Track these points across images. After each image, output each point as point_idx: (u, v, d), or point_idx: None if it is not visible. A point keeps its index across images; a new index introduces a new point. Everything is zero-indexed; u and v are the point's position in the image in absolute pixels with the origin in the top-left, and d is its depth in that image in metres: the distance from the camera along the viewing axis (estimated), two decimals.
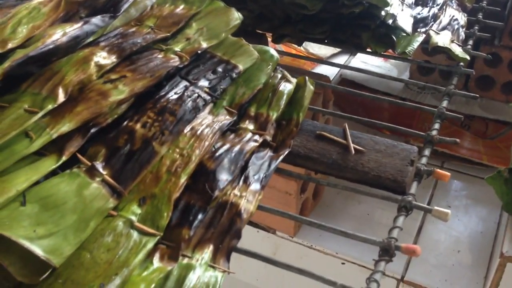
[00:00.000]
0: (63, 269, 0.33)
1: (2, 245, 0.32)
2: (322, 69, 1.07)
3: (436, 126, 0.55)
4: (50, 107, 0.37)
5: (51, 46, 0.40)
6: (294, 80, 0.53)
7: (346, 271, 0.79)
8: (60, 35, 0.41)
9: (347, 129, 0.50)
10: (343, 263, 0.79)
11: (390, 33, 0.68)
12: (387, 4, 0.66)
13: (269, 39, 0.83)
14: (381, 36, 0.68)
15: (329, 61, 0.98)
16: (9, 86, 0.39)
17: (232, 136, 0.46)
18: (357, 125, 0.68)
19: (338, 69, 1.13)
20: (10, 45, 0.39)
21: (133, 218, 0.37)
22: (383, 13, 0.67)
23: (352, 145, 0.48)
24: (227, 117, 0.47)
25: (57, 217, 0.34)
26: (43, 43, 0.39)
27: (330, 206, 0.85)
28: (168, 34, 0.47)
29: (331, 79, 0.89)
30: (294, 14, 0.69)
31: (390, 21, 0.67)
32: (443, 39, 0.67)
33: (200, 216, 0.39)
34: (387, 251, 0.41)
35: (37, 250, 0.32)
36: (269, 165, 0.46)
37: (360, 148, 0.49)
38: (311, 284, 0.41)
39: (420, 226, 0.81)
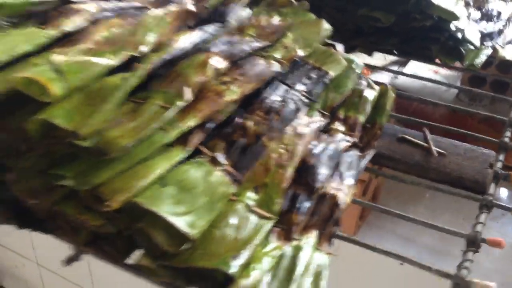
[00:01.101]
0: (199, 242, 0.38)
1: (149, 220, 0.38)
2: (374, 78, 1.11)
3: (508, 133, 0.59)
4: (179, 103, 0.43)
5: (179, 51, 0.46)
6: (377, 88, 0.57)
7: (405, 271, 0.82)
8: (185, 42, 0.46)
9: (428, 133, 0.54)
10: (401, 264, 0.82)
11: (458, 46, 0.72)
12: (457, 18, 0.71)
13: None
14: (450, 49, 0.72)
15: (387, 67, 1.01)
16: (140, 85, 0.45)
17: (325, 136, 0.51)
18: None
19: (389, 79, 1.17)
20: (141, 49, 0.45)
21: (251, 203, 0.42)
22: (452, 27, 0.71)
23: (433, 148, 0.52)
24: (321, 118, 0.52)
25: (191, 198, 0.40)
26: (173, 48, 0.45)
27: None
28: (269, 42, 0.53)
29: None
30: (367, 26, 0.73)
31: (459, 35, 0.71)
32: (510, 52, 0.71)
33: (306, 204, 0.44)
34: (473, 243, 0.45)
35: (179, 224, 0.37)
36: (358, 163, 0.51)
37: (442, 151, 0.53)
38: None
39: None
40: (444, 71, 1.26)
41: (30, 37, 0.45)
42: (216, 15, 0.54)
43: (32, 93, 0.39)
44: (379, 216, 0.87)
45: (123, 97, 0.40)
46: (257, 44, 0.52)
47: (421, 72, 1.19)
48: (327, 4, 0.74)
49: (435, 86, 1.11)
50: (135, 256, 0.40)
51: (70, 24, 0.48)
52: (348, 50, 0.76)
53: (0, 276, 1.81)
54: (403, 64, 1.24)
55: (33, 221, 0.44)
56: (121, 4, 0.54)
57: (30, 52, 0.44)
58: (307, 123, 0.50)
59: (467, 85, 1.09)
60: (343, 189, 0.47)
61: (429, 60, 0.75)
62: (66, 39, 0.47)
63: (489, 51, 0.72)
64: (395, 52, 0.76)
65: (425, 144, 0.53)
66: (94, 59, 0.42)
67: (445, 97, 1.21)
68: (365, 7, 0.72)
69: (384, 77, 1.11)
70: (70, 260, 0.46)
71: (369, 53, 0.76)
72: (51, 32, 0.46)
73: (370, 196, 0.82)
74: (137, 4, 0.56)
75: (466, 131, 0.60)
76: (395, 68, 1.22)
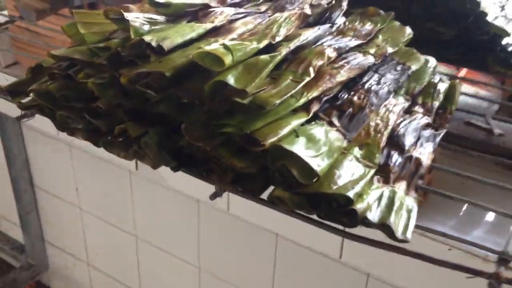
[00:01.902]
0: (324, 177, 0.51)
1: (288, 159, 0.51)
2: None
3: None
4: (307, 79, 0.57)
5: (304, 42, 0.60)
6: (448, 82, 0.71)
7: (454, 258, 0.92)
8: (308, 35, 0.61)
9: (491, 118, 0.67)
10: (449, 249, 0.93)
11: (508, 57, 0.85)
12: (508, 35, 0.84)
13: None
14: (503, 59, 0.85)
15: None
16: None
17: (408, 115, 0.65)
18: None
19: None
20: (277, 39, 0.60)
21: (358, 155, 0.56)
22: (504, 41, 0.84)
23: (494, 129, 0.65)
24: (405, 102, 0.65)
25: (317, 146, 0.53)
26: (300, 39, 0.60)
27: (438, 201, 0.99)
28: (365, 41, 0.67)
29: None
30: (432, 38, 0.87)
31: (510, 48, 0.84)
32: None
33: (398, 160, 0.57)
34: None
35: (311, 162, 0.51)
36: (434, 138, 0.64)
37: (501, 131, 0.65)
38: None
39: None
40: (483, 92, 1.37)
41: (193, 28, 0.61)
42: (323, 19, 0.68)
43: (206, 64, 0.53)
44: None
45: (271, 69, 0.55)
46: (356, 42, 0.66)
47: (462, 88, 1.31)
48: (398, 19, 0.88)
49: (476, 103, 1.22)
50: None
51: (217, 21, 0.64)
52: None
53: (50, 276, 1.94)
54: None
55: (190, 163, 0.58)
56: (247, 10, 0.70)
57: (194, 38, 0.60)
58: (395, 103, 0.64)
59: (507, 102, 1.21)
60: (424, 153, 0.60)
61: (485, 69, 0.88)
62: (215, 32, 0.63)
63: None
64: (456, 60, 0.89)
65: (487, 126, 0.66)
66: (247, 43, 0.57)
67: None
68: (432, 21, 0.86)
69: None
70: (214, 196, 0.59)
71: None
72: (206, 25, 0.62)
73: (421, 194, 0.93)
74: (259, 9, 0.71)
75: None
76: None
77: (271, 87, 0.55)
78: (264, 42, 0.58)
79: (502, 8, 0.91)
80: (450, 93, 0.69)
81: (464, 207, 0.77)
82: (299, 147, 0.52)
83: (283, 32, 0.61)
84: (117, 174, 1.38)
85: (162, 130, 0.57)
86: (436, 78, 0.70)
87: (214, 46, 0.54)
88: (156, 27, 0.62)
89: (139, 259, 1.54)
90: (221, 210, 1.18)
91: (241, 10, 0.70)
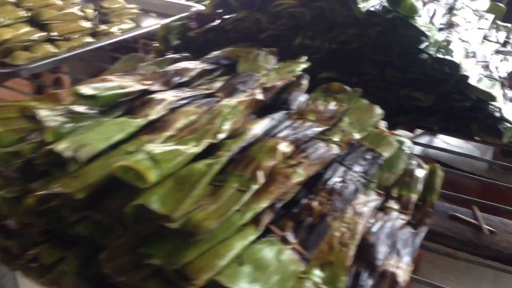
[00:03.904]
0: None
1: None
2: None
3: None
4: (255, 187, 0.47)
5: (252, 139, 0.51)
6: (426, 167, 0.61)
7: None
8: (258, 129, 0.52)
9: (477, 211, 0.57)
10: None
11: (496, 124, 0.76)
12: (494, 99, 0.75)
13: None
14: (489, 127, 0.76)
15: (414, 141, 1.06)
16: None
17: (381, 214, 0.55)
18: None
19: (421, 148, 1.20)
20: (219, 136, 0.51)
21: (318, 280, 0.46)
22: (490, 106, 0.76)
23: (484, 226, 0.55)
24: (377, 197, 0.56)
25: (265, 276, 0.43)
26: (248, 135, 0.51)
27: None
28: (328, 126, 0.58)
29: None
30: (408, 105, 0.79)
31: (497, 114, 0.76)
32: None
33: (369, 282, 0.47)
34: None
35: None
36: (413, 240, 0.54)
37: (492, 229, 0.56)
38: None
39: None
40: (469, 146, 1.29)
41: (122, 126, 0.51)
42: (280, 102, 0.60)
43: (129, 179, 0.44)
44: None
45: (208, 182, 0.45)
46: (317, 129, 0.57)
47: (453, 141, 1.23)
48: (371, 84, 0.80)
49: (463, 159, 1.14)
50: None
51: (153, 113, 0.55)
52: (391, 127, 0.81)
53: None
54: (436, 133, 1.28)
55: None
56: (193, 93, 0.61)
57: (123, 140, 0.51)
58: (365, 202, 0.54)
59: (499, 155, 1.12)
60: (401, 266, 0.50)
61: (469, 137, 0.79)
62: (151, 127, 0.54)
63: None
64: (436, 129, 0.80)
65: (475, 222, 0.56)
66: (181, 147, 0.47)
67: (478, 166, 1.23)
68: (407, 87, 0.78)
69: (416, 148, 1.15)
70: None
71: (411, 130, 0.81)
72: (139, 121, 0.53)
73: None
74: (207, 91, 0.62)
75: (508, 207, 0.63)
76: (426, 137, 1.26)
77: (210, 201, 0.46)
78: (204, 143, 0.49)
79: (486, 67, 0.83)
80: (430, 181, 0.60)
81: None
82: (242, 281, 0.42)
83: (228, 127, 0.52)
84: None
85: (84, 252, 0.48)
86: (413, 164, 0.61)
87: (138, 156, 0.45)
88: (81, 124, 0.53)
89: None
90: None
91: (187, 93, 0.61)
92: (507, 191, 1.10)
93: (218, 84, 0.66)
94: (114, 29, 1.12)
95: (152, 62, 0.73)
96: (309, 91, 0.71)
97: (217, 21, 0.92)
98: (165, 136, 0.51)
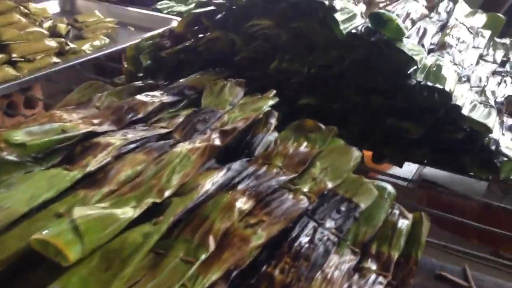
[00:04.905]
0: None
1: None
2: (398, 170, 1.08)
3: None
4: (203, 257, 0.40)
5: (203, 196, 0.44)
6: (410, 216, 0.54)
7: None
8: (210, 185, 0.45)
9: (468, 270, 0.50)
10: None
11: (493, 158, 0.68)
12: (490, 131, 0.68)
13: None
14: (484, 161, 0.69)
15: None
16: None
17: (356, 276, 0.48)
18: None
19: (416, 168, 1.13)
20: (166, 194, 0.44)
21: None
22: (485, 139, 0.68)
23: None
24: (352, 257, 0.48)
25: None
26: (197, 193, 0.43)
27: None
28: (296, 174, 0.51)
29: (409, 178, 0.89)
30: (395, 136, 0.72)
31: (493, 147, 0.68)
32: None
33: None
34: None
35: None
36: None
37: None
38: None
39: None
40: None
41: (53, 181, 0.44)
42: (243, 144, 0.53)
43: (48, 254, 0.37)
44: None
45: (143, 256, 0.38)
46: (283, 177, 0.50)
47: None
48: (355, 111, 0.73)
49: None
50: None
51: (94, 162, 0.48)
52: (377, 159, 0.74)
53: None
54: None
55: None
56: (146, 133, 0.54)
57: (52, 198, 0.44)
58: (338, 264, 0.47)
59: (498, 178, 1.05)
60: None
61: (462, 172, 0.72)
62: (91, 178, 0.47)
63: None
64: (426, 162, 0.73)
65: (465, 284, 0.49)
66: (117, 211, 0.40)
67: (475, 187, 1.15)
68: (394, 116, 0.71)
69: (411, 167, 1.08)
70: None
71: (399, 164, 0.74)
72: (74, 174, 0.46)
73: None
74: (162, 131, 0.55)
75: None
76: None
77: (149, 274, 0.39)
78: (145, 204, 0.42)
79: (482, 92, 0.75)
80: (415, 233, 0.53)
81: None
82: None
83: (175, 182, 0.45)
84: None
85: None
86: (395, 213, 0.53)
87: (61, 226, 0.38)
88: (9, 177, 0.46)
89: None
90: None
91: (140, 132, 0.54)
92: (504, 212, 1.03)
93: (178, 120, 0.59)
94: (86, 46, 1.05)
95: (110, 92, 0.66)
96: (287, 118, 0.64)
97: (190, 41, 0.85)
98: (103, 192, 0.44)
